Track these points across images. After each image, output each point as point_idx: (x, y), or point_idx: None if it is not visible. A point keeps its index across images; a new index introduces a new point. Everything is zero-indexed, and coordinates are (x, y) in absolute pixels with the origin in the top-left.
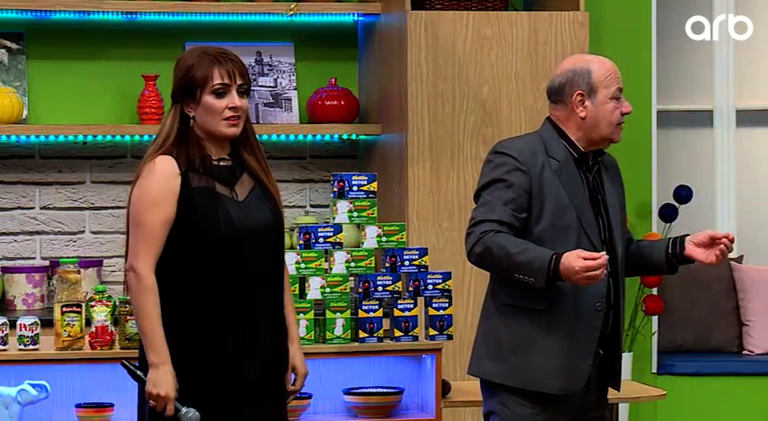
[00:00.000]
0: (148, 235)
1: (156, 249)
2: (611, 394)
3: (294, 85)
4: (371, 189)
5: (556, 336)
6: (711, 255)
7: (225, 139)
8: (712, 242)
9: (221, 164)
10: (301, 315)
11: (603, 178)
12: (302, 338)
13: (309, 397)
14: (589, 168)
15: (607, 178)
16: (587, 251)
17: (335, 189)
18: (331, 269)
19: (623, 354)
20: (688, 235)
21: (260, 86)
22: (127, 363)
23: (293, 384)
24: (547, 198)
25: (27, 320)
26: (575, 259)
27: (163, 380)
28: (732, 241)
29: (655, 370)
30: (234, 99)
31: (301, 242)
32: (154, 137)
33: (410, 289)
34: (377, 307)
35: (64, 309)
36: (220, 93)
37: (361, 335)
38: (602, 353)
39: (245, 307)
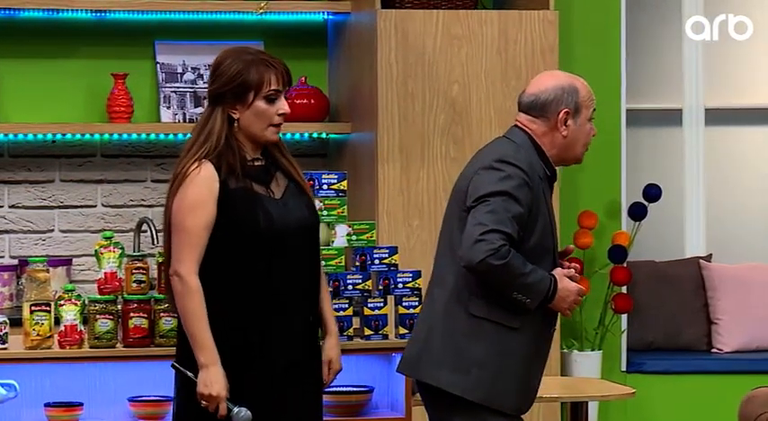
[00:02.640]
0: (190, 239)
1: (199, 253)
2: (581, 392)
3: None
4: (341, 187)
5: (521, 357)
6: None
7: (265, 143)
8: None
9: (256, 164)
10: None
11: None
12: None
13: None
14: (550, 189)
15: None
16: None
17: None
18: None
19: (594, 352)
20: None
21: None
22: (177, 365)
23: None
24: (538, 217)
25: None
26: (569, 281)
27: (214, 381)
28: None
29: (624, 368)
30: (284, 105)
31: None
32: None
33: (380, 287)
34: (347, 305)
35: (33, 308)
36: (272, 98)
37: None
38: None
39: (285, 303)
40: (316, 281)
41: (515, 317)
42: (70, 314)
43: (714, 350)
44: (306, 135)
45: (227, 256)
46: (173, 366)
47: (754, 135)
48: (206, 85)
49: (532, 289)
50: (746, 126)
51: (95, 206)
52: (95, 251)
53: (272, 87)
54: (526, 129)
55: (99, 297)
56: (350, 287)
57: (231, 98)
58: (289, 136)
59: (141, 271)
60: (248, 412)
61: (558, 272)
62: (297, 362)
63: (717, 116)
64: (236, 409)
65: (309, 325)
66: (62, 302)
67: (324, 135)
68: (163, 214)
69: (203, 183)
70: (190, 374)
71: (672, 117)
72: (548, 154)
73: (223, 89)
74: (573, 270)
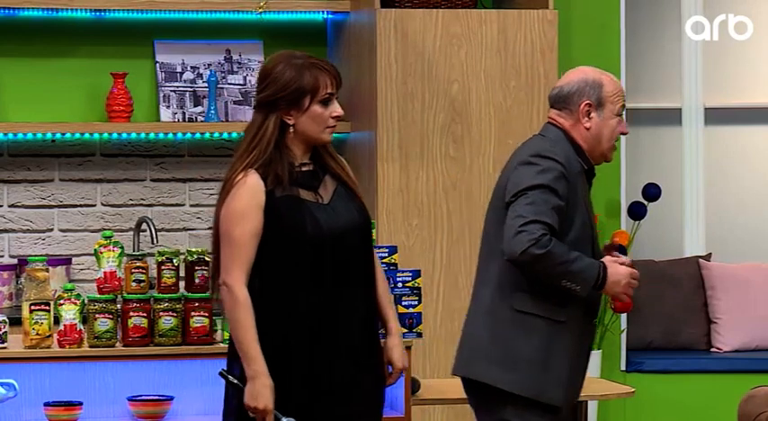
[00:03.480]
0: (238, 249)
1: (247, 263)
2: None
3: None
4: None
5: (568, 350)
6: None
7: (319, 145)
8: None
9: (303, 169)
10: None
11: (589, 197)
12: None
13: None
14: (589, 184)
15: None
16: None
17: None
18: None
19: (593, 352)
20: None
21: (229, 84)
22: (225, 373)
23: (389, 377)
24: (577, 210)
25: None
26: (618, 265)
27: (261, 393)
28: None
29: (623, 367)
30: (337, 107)
31: None
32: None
33: None
34: None
35: (32, 308)
36: (327, 101)
37: None
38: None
39: (338, 308)
40: (371, 281)
41: (561, 311)
42: (70, 313)
43: (713, 349)
44: None
45: (276, 265)
46: (220, 374)
47: (753, 134)
48: (204, 85)
49: (580, 275)
50: (746, 125)
51: (95, 205)
52: (95, 250)
53: (327, 90)
54: (557, 123)
55: (98, 296)
56: None
57: (285, 104)
58: None
59: (141, 270)
60: None
61: (607, 258)
62: (356, 363)
63: (716, 115)
64: (283, 420)
65: (367, 325)
66: (61, 302)
67: None
68: (213, 221)
69: (248, 192)
70: (237, 382)
71: (671, 116)
72: (582, 147)
73: (277, 95)
74: (628, 259)
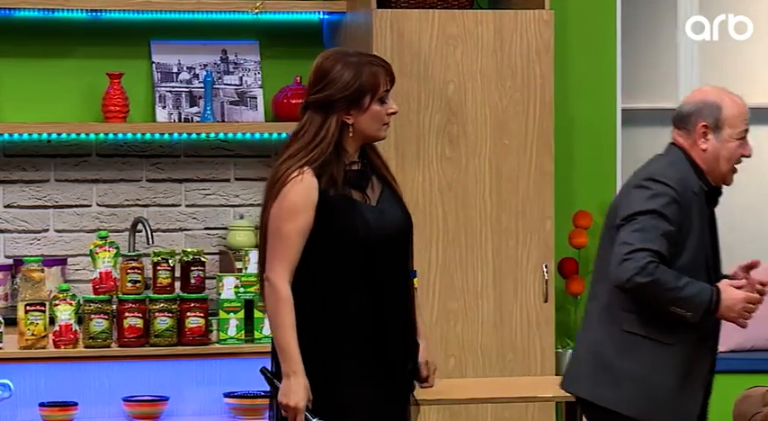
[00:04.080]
0: (285, 245)
1: (293, 260)
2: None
3: (259, 83)
4: None
5: (673, 372)
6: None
7: (375, 142)
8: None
9: (353, 168)
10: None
11: (714, 218)
12: (267, 336)
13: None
14: (711, 205)
15: (714, 219)
16: None
17: None
18: None
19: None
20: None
21: (225, 85)
22: (266, 371)
23: (426, 379)
24: (690, 234)
25: None
26: (734, 290)
27: (294, 391)
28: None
29: None
30: (393, 104)
31: None
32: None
33: None
34: None
35: (28, 308)
36: (384, 99)
37: None
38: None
39: (384, 309)
40: (410, 283)
41: (668, 332)
42: (65, 314)
43: None
44: None
45: (325, 264)
46: (261, 371)
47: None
48: (201, 85)
49: (690, 301)
50: None
51: (90, 206)
52: (90, 251)
53: (385, 88)
54: (677, 143)
55: (94, 297)
56: None
57: (346, 104)
58: (284, 135)
59: (136, 270)
60: None
61: (724, 282)
62: (394, 365)
63: None
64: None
65: (409, 328)
66: (57, 302)
67: None
68: (260, 218)
69: (303, 190)
70: (276, 381)
71: (667, 117)
72: (702, 168)
73: (337, 96)
74: (744, 281)
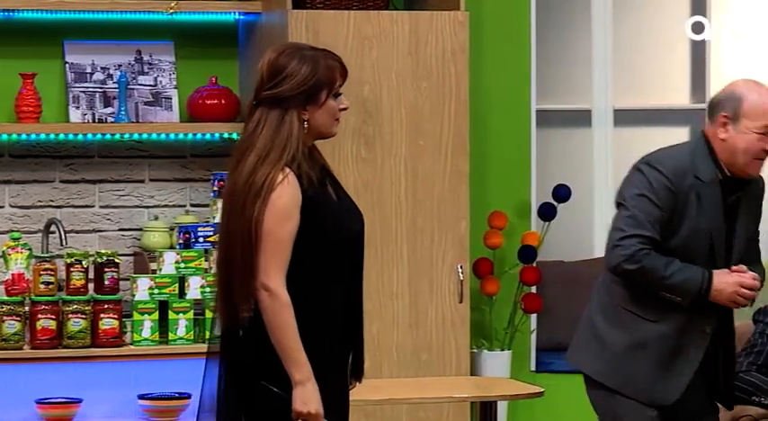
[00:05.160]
0: (279, 249)
1: (285, 264)
2: (490, 391)
3: (174, 83)
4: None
5: (656, 349)
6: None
7: (326, 138)
8: None
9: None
10: (181, 314)
11: (741, 206)
12: (182, 338)
13: (189, 396)
14: (731, 194)
15: (744, 207)
16: None
17: (216, 188)
18: (211, 268)
19: (503, 352)
20: None
21: (140, 85)
22: (266, 385)
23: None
24: (685, 219)
25: None
26: (727, 274)
27: (311, 398)
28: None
29: (533, 367)
30: (345, 100)
31: (181, 241)
32: (234, 136)
33: None
34: None
35: None
36: (337, 94)
37: None
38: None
39: (358, 304)
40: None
41: (655, 312)
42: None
43: None
44: (216, 135)
45: (310, 265)
46: (260, 385)
47: (662, 135)
48: (115, 86)
49: (679, 287)
50: (655, 127)
51: (3, 207)
52: (2, 252)
53: (340, 82)
54: (705, 131)
55: (6, 298)
56: None
57: (303, 99)
58: (199, 136)
59: (49, 272)
60: None
61: (722, 271)
62: (363, 367)
63: (625, 117)
64: None
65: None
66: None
67: (234, 135)
68: (242, 222)
69: (291, 193)
70: (281, 392)
71: (581, 118)
72: (720, 157)
73: (295, 91)
74: (745, 268)
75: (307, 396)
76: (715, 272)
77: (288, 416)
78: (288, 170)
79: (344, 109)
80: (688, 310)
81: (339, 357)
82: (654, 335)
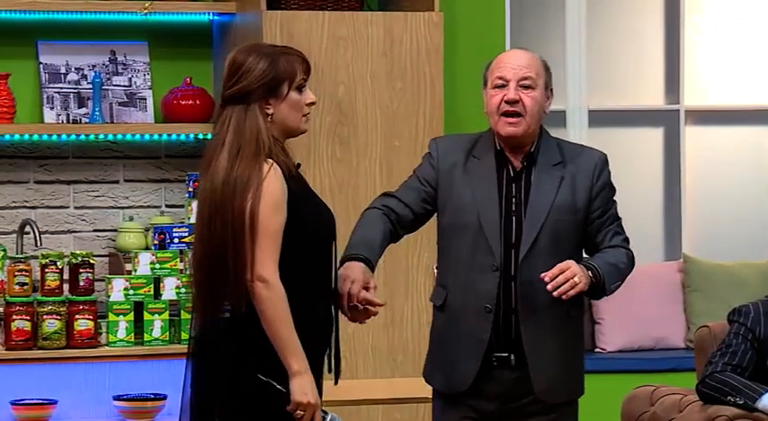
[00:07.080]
0: (273, 241)
1: (278, 255)
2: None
3: (149, 84)
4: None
5: (447, 335)
6: None
7: (296, 135)
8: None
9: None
10: (156, 315)
11: (536, 177)
12: (157, 339)
13: (165, 397)
14: (512, 166)
15: (547, 178)
16: (481, 253)
17: (191, 189)
18: (186, 269)
19: None
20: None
21: (114, 86)
22: (262, 377)
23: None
24: (451, 196)
25: None
26: (345, 280)
27: (310, 388)
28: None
29: None
30: (310, 94)
31: (156, 242)
32: (210, 136)
33: None
34: None
35: None
36: (302, 87)
37: None
38: (513, 357)
39: (335, 298)
40: None
41: (438, 296)
42: None
43: (597, 349)
44: (191, 136)
45: (297, 258)
46: (258, 379)
47: (636, 136)
48: (89, 86)
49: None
50: (629, 127)
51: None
52: None
53: (302, 76)
54: None
55: None
56: None
57: (264, 93)
58: (174, 137)
59: (24, 273)
60: (339, 418)
61: (355, 269)
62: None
63: (600, 117)
64: (329, 416)
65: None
66: None
67: (209, 136)
68: (231, 217)
69: (280, 183)
70: (279, 387)
71: (556, 118)
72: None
73: (254, 86)
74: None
75: (305, 386)
76: (348, 265)
77: (283, 408)
78: (271, 161)
79: (312, 103)
80: (460, 291)
81: (317, 357)
82: (444, 321)
